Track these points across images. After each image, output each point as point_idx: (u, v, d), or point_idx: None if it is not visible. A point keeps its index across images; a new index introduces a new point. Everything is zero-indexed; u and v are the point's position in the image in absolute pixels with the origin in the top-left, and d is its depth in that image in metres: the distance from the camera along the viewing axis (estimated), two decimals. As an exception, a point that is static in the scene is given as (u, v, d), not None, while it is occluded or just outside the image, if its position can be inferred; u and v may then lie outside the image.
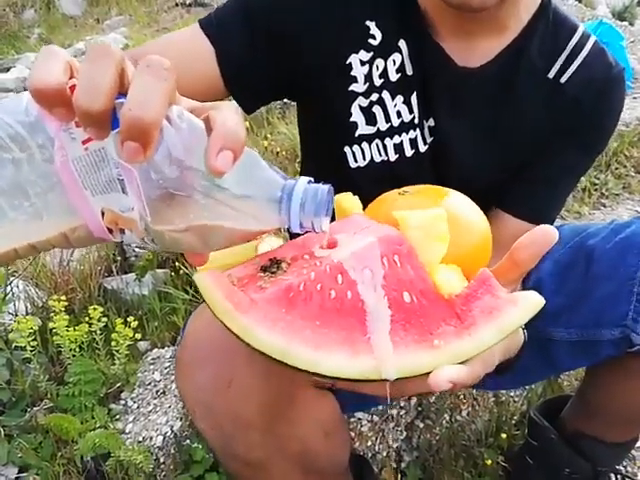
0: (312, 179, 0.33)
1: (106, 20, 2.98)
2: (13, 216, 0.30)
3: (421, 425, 0.95)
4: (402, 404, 0.95)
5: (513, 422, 0.97)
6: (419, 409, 0.96)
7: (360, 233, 0.39)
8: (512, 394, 1.00)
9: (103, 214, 0.31)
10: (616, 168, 1.81)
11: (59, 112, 0.27)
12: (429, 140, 0.68)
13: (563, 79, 0.67)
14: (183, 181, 0.29)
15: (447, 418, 0.95)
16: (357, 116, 0.66)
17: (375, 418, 0.93)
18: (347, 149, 0.67)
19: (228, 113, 0.29)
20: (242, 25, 0.62)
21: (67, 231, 0.32)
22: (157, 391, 1.07)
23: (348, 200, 0.46)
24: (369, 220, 0.42)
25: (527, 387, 1.00)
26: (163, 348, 1.15)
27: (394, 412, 0.94)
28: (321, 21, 0.62)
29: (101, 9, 3.08)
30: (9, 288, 1.16)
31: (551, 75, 0.68)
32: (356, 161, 0.68)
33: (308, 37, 0.62)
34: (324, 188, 0.32)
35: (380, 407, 0.92)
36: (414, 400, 0.96)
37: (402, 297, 0.36)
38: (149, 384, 1.08)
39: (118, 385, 1.08)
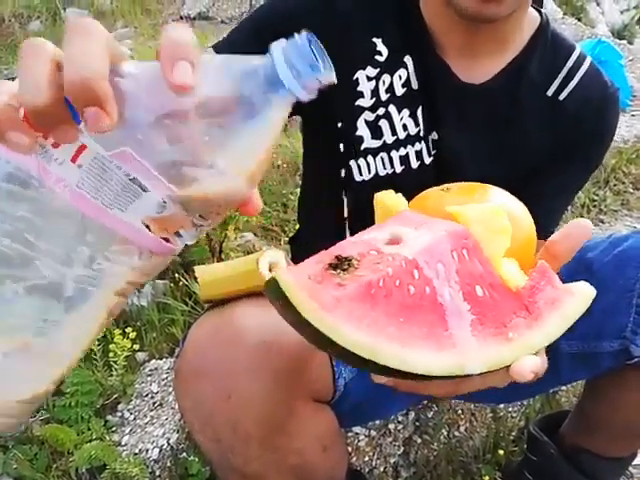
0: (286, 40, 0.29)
1: (111, 32, 3.02)
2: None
3: (419, 440, 0.94)
4: (400, 419, 0.95)
5: (511, 438, 0.97)
6: (417, 424, 0.95)
7: (422, 228, 0.39)
8: (510, 409, 1.00)
9: (148, 228, 0.28)
10: (614, 185, 1.82)
11: (17, 137, 0.24)
12: (433, 152, 0.69)
13: (562, 96, 0.69)
14: (173, 129, 0.26)
15: (445, 433, 0.95)
16: (363, 130, 0.67)
17: (373, 433, 0.93)
18: (352, 162, 0.68)
19: (170, 30, 0.27)
20: (254, 43, 0.64)
21: (131, 271, 0.29)
22: (154, 403, 1.06)
23: (391, 198, 0.46)
24: (424, 216, 0.41)
25: (525, 403, 1.00)
26: (161, 359, 1.15)
27: (392, 427, 0.94)
28: (330, 38, 0.64)
29: (107, 21, 3.12)
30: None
31: (550, 92, 0.70)
32: (361, 174, 0.69)
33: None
34: (301, 37, 0.28)
35: (377, 422, 0.92)
36: (412, 415, 0.95)
37: (475, 291, 0.36)
38: (146, 395, 1.08)
39: (115, 396, 1.07)
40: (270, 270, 0.57)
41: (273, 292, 0.34)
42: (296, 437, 0.54)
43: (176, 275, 1.29)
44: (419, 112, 0.67)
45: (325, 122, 0.68)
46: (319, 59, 0.28)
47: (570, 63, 0.70)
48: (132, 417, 1.02)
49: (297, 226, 0.91)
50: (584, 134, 0.70)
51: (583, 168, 0.74)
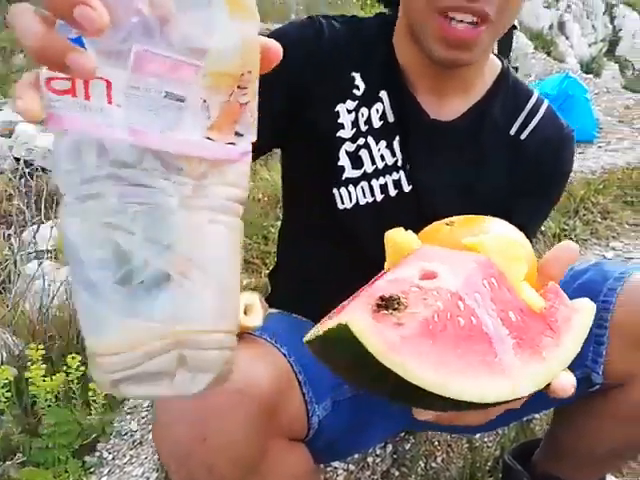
0: None
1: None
2: None
3: (397, 473, 0.95)
4: (378, 452, 0.96)
5: (487, 468, 0.98)
6: (394, 457, 0.97)
7: (449, 262, 0.41)
8: (485, 439, 1.02)
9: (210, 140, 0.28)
10: (584, 214, 1.89)
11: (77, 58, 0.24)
12: (406, 181, 0.73)
13: (523, 136, 0.74)
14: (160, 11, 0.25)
15: (422, 465, 0.97)
16: (344, 160, 0.70)
17: (351, 467, 0.94)
18: (335, 191, 0.71)
19: None
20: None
21: (223, 187, 0.28)
22: (134, 441, 1.06)
23: (402, 235, 0.48)
24: (444, 250, 0.44)
25: (500, 432, 1.03)
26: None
27: (370, 460, 0.95)
28: (315, 69, 0.68)
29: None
30: (-14, 336, 1.16)
31: (512, 132, 0.74)
32: (343, 203, 0.72)
33: (307, 88, 0.68)
34: None
35: (355, 455, 0.93)
36: (389, 448, 0.97)
37: (509, 316, 0.38)
38: (125, 434, 1.08)
39: (94, 436, 1.07)
40: (245, 313, 0.59)
41: (341, 343, 0.35)
42: (271, 477, 0.55)
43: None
44: (395, 143, 0.71)
45: (307, 153, 0.71)
46: None
47: (529, 106, 0.75)
48: (111, 457, 1.01)
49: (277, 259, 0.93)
50: (544, 173, 0.75)
51: (545, 202, 0.80)
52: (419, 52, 0.67)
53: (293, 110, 0.68)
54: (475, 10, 0.59)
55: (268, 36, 0.56)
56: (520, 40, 3.46)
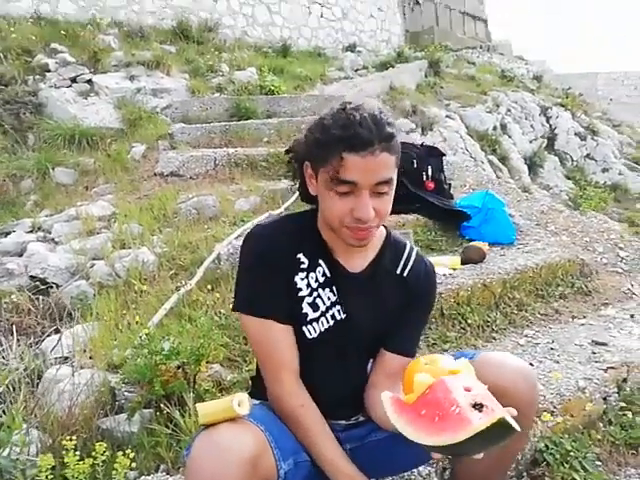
0: None
1: (94, 188, 3.53)
2: None
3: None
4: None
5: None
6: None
7: (466, 381, 0.88)
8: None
9: None
10: (503, 307, 2.34)
11: None
12: (343, 311, 1.15)
13: (405, 274, 1.20)
14: None
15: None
16: (307, 308, 1.13)
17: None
18: (304, 328, 1.13)
19: None
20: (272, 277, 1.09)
21: None
22: (145, 512, 1.36)
23: (423, 377, 0.92)
24: (452, 376, 0.90)
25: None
26: (149, 475, 1.46)
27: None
28: (285, 262, 1.11)
29: (90, 178, 3.65)
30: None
31: (398, 272, 1.20)
32: (310, 334, 1.14)
33: (282, 270, 1.10)
34: None
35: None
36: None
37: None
38: (139, 508, 1.37)
39: (113, 509, 1.36)
40: (239, 405, 0.97)
41: (500, 432, 0.82)
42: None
43: (160, 405, 1.63)
44: (333, 288, 1.15)
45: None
46: None
47: (407, 252, 1.21)
48: (129, 524, 1.31)
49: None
50: (420, 294, 1.20)
51: (424, 311, 1.25)
52: (337, 237, 1.11)
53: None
54: (366, 222, 1.04)
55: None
56: (452, 159, 4.11)
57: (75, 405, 1.62)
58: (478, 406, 0.81)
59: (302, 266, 1.13)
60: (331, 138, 0.99)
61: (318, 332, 1.13)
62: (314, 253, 1.14)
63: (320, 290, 1.14)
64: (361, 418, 1.23)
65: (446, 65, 8.78)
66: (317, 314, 1.13)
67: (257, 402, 1.16)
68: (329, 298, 1.14)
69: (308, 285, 1.13)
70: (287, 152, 1.15)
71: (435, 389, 0.88)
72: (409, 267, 1.19)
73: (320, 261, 1.14)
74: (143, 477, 1.45)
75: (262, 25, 8.22)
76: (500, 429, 0.79)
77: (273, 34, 8.31)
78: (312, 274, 1.13)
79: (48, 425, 1.57)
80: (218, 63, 5.94)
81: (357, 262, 1.16)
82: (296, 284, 1.12)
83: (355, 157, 0.97)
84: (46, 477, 1.32)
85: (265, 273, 1.09)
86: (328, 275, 1.14)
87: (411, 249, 1.22)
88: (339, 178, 0.99)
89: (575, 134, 8.79)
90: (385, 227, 1.22)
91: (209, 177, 3.57)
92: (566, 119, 8.99)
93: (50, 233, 2.96)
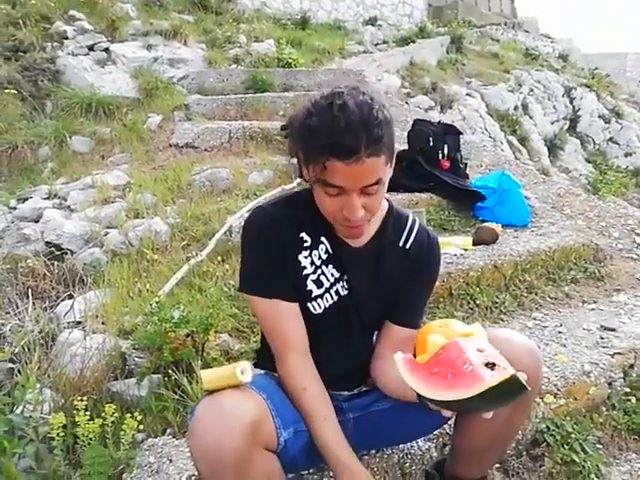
0: None
1: (110, 157, 3.56)
2: None
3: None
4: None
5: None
6: None
7: (479, 344, 0.92)
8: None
9: None
10: (513, 290, 2.32)
11: None
12: (347, 287, 1.15)
13: (407, 246, 1.20)
14: None
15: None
16: (311, 285, 1.14)
17: None
18: (309, 304, 1.14)
19: None
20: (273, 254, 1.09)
21: None
22: (151, 471, 1.41)
23: (436, 337, 0.95)
24: (465, 339, 0.93)
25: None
26: (156, 437, 1.50)
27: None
28: (287, 240, 1.11)
29: (106, 147, 3.67)
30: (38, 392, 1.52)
31: (401, 244, 1.19)
32: (315, 310, 1.15)
33: (286, 250, 1.11)
34: None
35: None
36: None
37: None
38: (145, 466, 1.42)
39: (121, 467, 1.41)
40: (242, 373, 0.99)
41: (511, 389, 0.83)
42: (254, 471, 0.93)
43: (169, 371, 1.67)
44: (337, 264, 1.15)
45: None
46: None
47: (409, 224, 1.21)
48: (134, 483, 1.36)
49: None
50: (422, 264, 1.19)
51: (428, 283, 1.24)
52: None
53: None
54: (356, 221, 1.03)
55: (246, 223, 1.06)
56: (470, 138, 4.04)
57: (87, 368, 1.67)
58: (490, 365, 0.83)
59: (305, 244, 1.13)
60: (315, 145, 0.95)
61: (323, 308, 1.14)
62: (316, 231, 1.14)
63: (324, 267, 1.14)
64: (364, 388, 1.25)
65: (469, 41, 8.57)
66: (321, 291, 1.14)
67: (262, 372, 1.18)
68: (332, 274, 1.15)
69: (312, 263, 1.13)
70: (283, 128, 1.10)
71: (448, 349, 0.90)
72: (412, 239, 1.19)
73: (322, 238, 1.15)
74: (150, 439, 1.50)
75: (282, -4, 8.07)
76: (512, 387, 0.81)
77: (293, 6, 8.16)
78: (315, 252, 1.14)
79: (60, 386, 1.62)
80: (236, 34, 5.86)
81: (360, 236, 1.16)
82: (300, 262, 1.13)
83: (340, 164, 0.94)
84: (57, 435, 1.37)
85: (269, 253, 1.10)
86: (331, 252, 1.15)
87: (413, 221, 1.21)
88: (325, 181, 0.98)
89: (599, 116, 8.56)
90: (387, 200, 1.21)
91: (223, 149, 3.57)
92: (590, 100, 8.75)
93: (66, 200, 3.01)
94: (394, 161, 1.05)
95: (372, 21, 9.00)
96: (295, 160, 1.07)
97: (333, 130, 0.92)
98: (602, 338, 1.93)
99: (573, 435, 1.51)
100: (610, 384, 1.75)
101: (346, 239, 1.14)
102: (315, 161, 0.96)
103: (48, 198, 3.05)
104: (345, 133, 0.92)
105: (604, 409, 1.70)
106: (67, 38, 4.73)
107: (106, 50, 4.77)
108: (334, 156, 0.94)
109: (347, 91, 0.96)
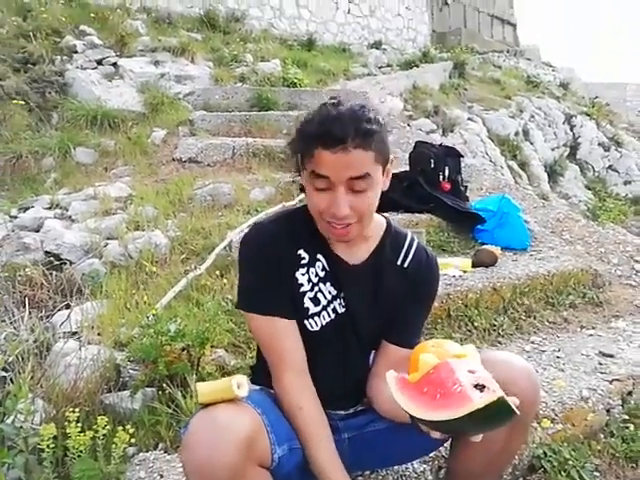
0: None
1: (113, 169, 3.58)
2: None
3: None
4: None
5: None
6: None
7: (470, 365, 0.89)
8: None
9: None
10: (511, 313, 2.32)
11: None
12: (344, 304, 1.15)
13: (405, 264, 1.19)
14: None
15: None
16: (308, 303, 1.14)
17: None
18: (306, 322, 1.14)
19: None
20: (270, 272, 1.09)
21: None
22: (142, 486, 1.38)
23: (429, 357, 0.94)
24: (457, 359, 0.91)
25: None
26: (148, 452, 1.48)
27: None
28: (286, 259, 1.11)
29: (110, 159, 3.70)
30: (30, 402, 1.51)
31: (399, 263, 1.19)
32: (312, 327, 1.14)
33: (283, 267, 1.11)
34: None
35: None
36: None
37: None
38: (135, 481, 1.40)
39: (111, 482, 1.39)
40: (238, 387, 0.98)
41: (500, 412, 0.82)
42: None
43: (163, 384, 1.65)
44: (334, 282, 1.14)
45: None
46: None
47: (407, 243, 1.20)
48: (125, 497, 1.33)
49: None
50: (420, 283, 1.19)
51: (425, 302, 1.23)
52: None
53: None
54: (342, 219, 1.04)
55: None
56: (471, 161, 4.08)
57: (80, 379, 1.65)
58: (480, 386, 0.82)
59: (302, 262, 1.14)
60: (307, 134, 1.02)
61: (320, 325, 1.14)
62: (313, 248, 1.14)
63: (321, 284, 1.14)
64: (360, 408, 1.24)
65: (471, 67, 8.70)
66: (318, 308, 1.14)
67: (257, 387, 1.17)
68: (330, 292, 1.15)
69: (309, 280, 1.13)
70: (288, 144, 1.15)
71: (439, 370, 0.89)
72: (410, 258, 1.19)
73: (319, 256, 1.15)
74: (142, 453, 1.48)
75: (289, 18, 8.23)
76: (500, 409, 0.80)
77: (299, 27, 8.32)
78: (312, 269, 1.14)
79: (53, 396, 1.60)
80: (243, 53, 5.96)
81: (357, 254, 1.16)
82: (297, 280, 1.13)
83: (326, 153, 0.98)
84: (47, 446, 1.35)
85: (267, 271, 1.10)
86: (328, 269, 1.15)
87: (412, 240, 1.21)
88: (315, 172, 1.01)
89: (599, 144, 8.65)
90: (386, 218, 1.21)
91: (226, 165, 3.59)
92: (590, 128, 8.84)
93: (67, 211, 3.02)
94: (389, 168, 1.07)
95: (377, 45, 9.16)
96: (299, 177, 1.10)
97: (324, 120, 1.00)
98: (600, 364, 1.92)
99: (570, 462, 1.48)
100: (608, 411, 1.74)
101: (343, 257, 1.14)
102: (307, 152, 1.02)
103: (50, 208, 3.06)
104: (334, 122, 0.98)
105: (602, 436, 1.68)
106: (76, 52, 4.81)
107: (114, 65, 4.85)
108: (322, 144, 0.98)
109: (344, 96, 1.06)
